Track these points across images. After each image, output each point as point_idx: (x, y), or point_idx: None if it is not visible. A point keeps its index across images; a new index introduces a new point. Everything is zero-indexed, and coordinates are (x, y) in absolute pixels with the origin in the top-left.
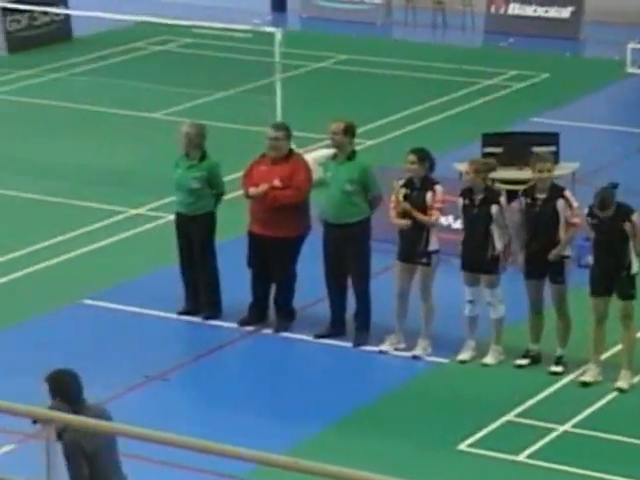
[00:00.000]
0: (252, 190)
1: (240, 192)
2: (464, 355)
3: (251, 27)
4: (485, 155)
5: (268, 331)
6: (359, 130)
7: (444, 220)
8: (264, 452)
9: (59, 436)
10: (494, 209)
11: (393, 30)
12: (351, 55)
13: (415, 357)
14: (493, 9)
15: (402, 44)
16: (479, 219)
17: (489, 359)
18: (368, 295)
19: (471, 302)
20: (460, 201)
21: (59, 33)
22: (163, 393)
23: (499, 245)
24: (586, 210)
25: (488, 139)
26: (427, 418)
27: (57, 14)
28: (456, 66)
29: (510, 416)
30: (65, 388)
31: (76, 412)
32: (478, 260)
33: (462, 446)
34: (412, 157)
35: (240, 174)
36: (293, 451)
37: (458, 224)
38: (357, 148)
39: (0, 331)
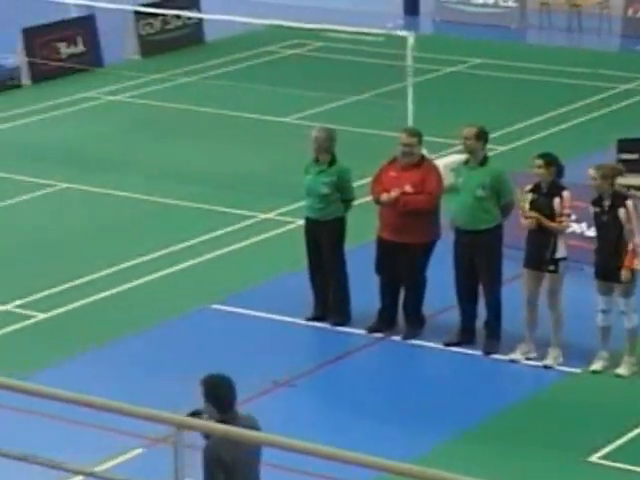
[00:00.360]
0: (384, 196)
1: (369, 198)
2: (597, 365)
3: (384, 31)
4: (620, 161)
5: (397, 338)
6: (492, 135)
7: (577, 227)
8: (390, 460)
9: (206, 439)
10: (621, 213)
11: (528, 34)
12: (485, 59)
13: (546, 367)
14: (630, 12)
15: (537, 48)
16: (609, 225)
17: (622, 370)
18: (499, 303)
19: (604, 311)
20: (591, 209)
21: (191, 37)
22: (291, 399)
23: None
24: None
25: (624, 145)
26: (558, 429)
27: (189, 18)
28: (592, 70)
29: None
30: (217, 394)
31: (224, 420)
32: (611, 268)
33: (593, 458)
34: (539, 162)
35: (370, 179)
36: (420, 459)
37: (591, 232)
38: (489, 154)
39: (130, 335)
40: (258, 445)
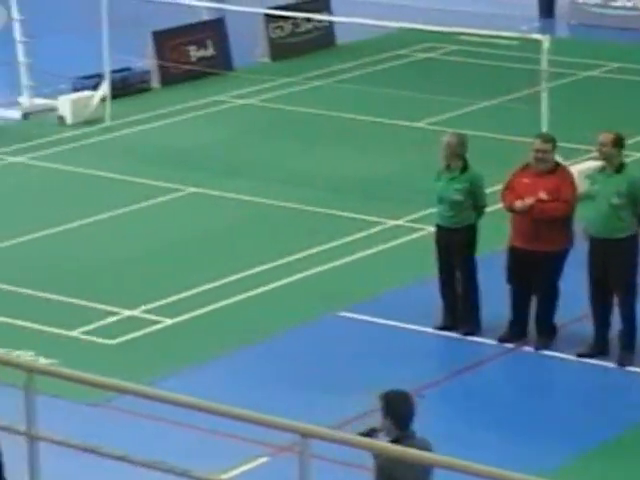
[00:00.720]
0: (518, 203)
1: (500, 205)
2: None
3: (518, 34)
4: None
5: (528, 348)
6: (629, 141)
7: None
8: (521, 475)
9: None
10: None
11: None
12: (623, 63)
13: None
14: None
15: None
16: None
17: None
18: (634, 313)
19: None
20: None
21: (322, 40)
22: (418, 410)
23: None
24: None
25: None
26: None
27: (320, 21)
28: None
29: None
30: (397, 410)
31: (400, 437)
32: None
33: None
34: None
35: (501, 186)
36: (550, 474)
37: None
38: (626, 160)
39: (256, 342)
40: (430, 466)
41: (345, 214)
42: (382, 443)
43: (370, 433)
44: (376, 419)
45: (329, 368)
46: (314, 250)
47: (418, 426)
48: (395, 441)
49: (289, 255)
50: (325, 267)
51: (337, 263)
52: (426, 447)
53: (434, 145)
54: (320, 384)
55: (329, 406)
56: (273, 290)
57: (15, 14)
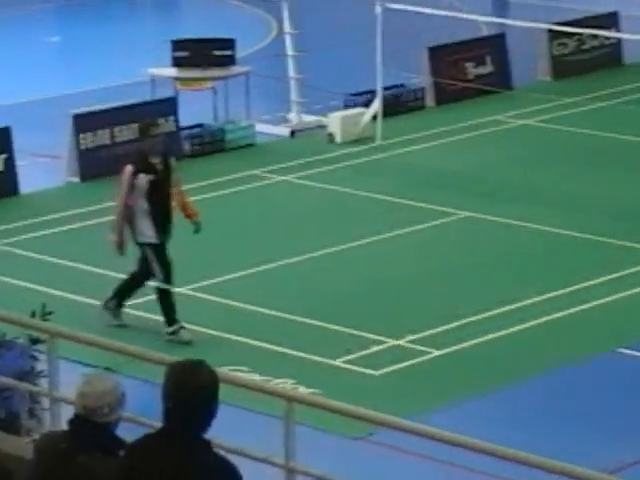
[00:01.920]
0: None
1: None
2: None
3: None
4: None
5: None
6: None
7: None
8: None
9: None
10: None
11: None
12: None
13: None
14: None
15: None
16: None
17: None
18: None
19: None
20: None
21: (608, 58)
22: None
23: None
24: None
25: None
26: None
27: (607, 38)
28: None
29: None
30: None
31: None
32: None
33: None
34: None
35: None
36: None
37: None
38: None
39: (529, 378)
40: None
41: (623, 243)
42: None
43: None
44: None
45: (605, 408)
46: (593, 282)
47: None
48: None
49: (563, 287)
50: (604, 300)
51: (616, 296)
52: None
53: None
54: (594, 425)
55: (604, 449)
56: (545, 323)
57: (287, 28)
